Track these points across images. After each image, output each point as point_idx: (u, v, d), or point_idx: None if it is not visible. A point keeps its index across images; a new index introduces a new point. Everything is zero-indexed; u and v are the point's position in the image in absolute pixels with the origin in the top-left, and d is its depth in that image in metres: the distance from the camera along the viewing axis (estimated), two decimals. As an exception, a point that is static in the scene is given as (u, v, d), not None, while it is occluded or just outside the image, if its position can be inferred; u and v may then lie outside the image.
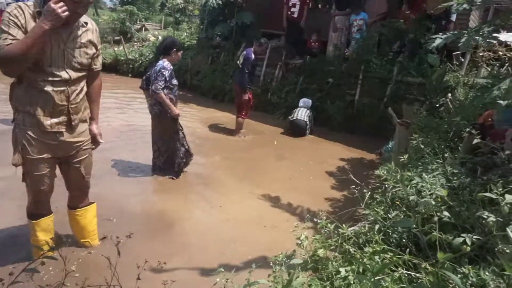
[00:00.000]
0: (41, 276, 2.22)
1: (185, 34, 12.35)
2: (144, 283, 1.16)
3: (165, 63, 4.17)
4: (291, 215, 3.81)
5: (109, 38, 13.59)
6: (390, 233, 2.10)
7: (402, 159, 2.60)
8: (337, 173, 5.16)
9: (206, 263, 2.78)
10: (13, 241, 2.87)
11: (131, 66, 11.71)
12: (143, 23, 16.47)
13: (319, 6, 10.14)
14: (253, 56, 5.95)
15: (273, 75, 8.67)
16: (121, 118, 6.84)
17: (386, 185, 2.60)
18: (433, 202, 1.64)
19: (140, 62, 11.63)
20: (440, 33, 2.87)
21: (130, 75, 11.52)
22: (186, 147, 4.55)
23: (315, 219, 2.47)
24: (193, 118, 7.40)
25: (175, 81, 4.27)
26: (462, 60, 6.66)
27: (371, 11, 7.81)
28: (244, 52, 6.08)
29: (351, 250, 2.08)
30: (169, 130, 4.37)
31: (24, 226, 2.85)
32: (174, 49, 4.26)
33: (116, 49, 12.50)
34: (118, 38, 13.23)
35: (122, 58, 11.93)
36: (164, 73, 4.12)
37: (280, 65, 8.54)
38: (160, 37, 13.37)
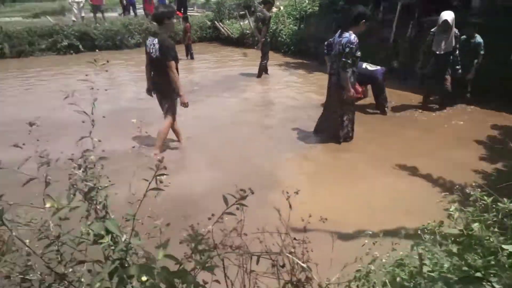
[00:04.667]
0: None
1: (307, 1, 12.13)
2: (309, 234, 1.28)
3: (351, 37, 4.04)
4: (435, 188, 3.54)
5: (235, 14, 14.37)
6: None
7: None
8: (487, 142, 4.53)
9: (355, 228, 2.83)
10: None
11: (256, 38, 12.16)
12: (266, -5, 16.77)
13: None
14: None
15: (404, 36, 7.90)
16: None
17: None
18: None
19: (265, 34, 11.98)
20: None
21: (255, 47, 11.99)
22: (352, 122, 4.58)
23: (466, 190, 2.26)
24: (314, 87, 7.40)
25: (358, 53, 4.17)
26: None
27: None
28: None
29: (515, 227, 1.85)
30: (342, 101, 4.38)
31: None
32: (363, 20, 4.11)
33: (241, 23, 13.15)
34: (243, 13, 13.87)
35: (247, 31, 12.49)
36: (352, 47, 4.03)
37: (413, 23, 7.70)
38: (282, 8, 13.46)
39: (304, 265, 1.12)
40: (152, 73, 4.30)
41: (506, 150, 3.58)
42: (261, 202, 2.91)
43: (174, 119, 4.39)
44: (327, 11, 9.97)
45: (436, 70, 5.63)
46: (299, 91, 7.21)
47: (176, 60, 4.11)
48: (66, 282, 1.14)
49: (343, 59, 4.07)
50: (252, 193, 1.06)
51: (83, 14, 13.84)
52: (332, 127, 4.58)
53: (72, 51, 12.05)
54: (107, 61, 1.39)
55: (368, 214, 3.14)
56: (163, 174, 1.04)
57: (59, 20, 15.52)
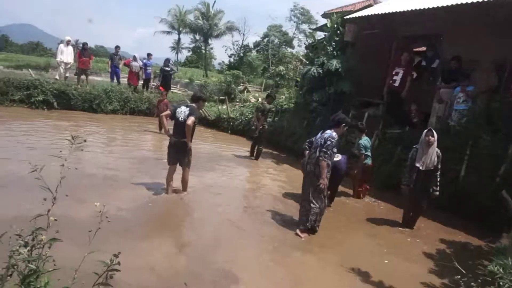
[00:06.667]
0: None
1: (283, 97, 13.12)
2: None
3: (333, 133, 4.65)
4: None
5: (215, 97, 15.21)
6: None
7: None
8: (436, 256, 4.68)
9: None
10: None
11: (231, 123, 12.71)
12: (246, 85, 18.05)
13: (423, 77, 9.91)
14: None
15: (369, 143, 8.55)
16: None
17: (501, 283, 2.30)
18: None
19: (240, 121, 12.55)
20: None
21: (229, 131, 12.48)
22: (320, 213, 4.81)
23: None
24: (281, 178, 7.63)
25: (335, 149, 4.71)
26: None
27: (478, 84, 7.37)
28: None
29: None
30: (314, 189, 4.70)
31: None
32: (344, 124, 4.78)
33: (220, 107, 13.83)
34: (223, 98, 14.71)
35: (224, 116, 13.08)
36: (333, 142, 4.58)
37: (377, 133, 8.43)
38: (260, 99, 14.45)
39: None
40: (175, 134, 5.38)
41: (451, 266, 3.70)
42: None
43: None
44: (301, 110, 10.76)
45: (418, 187, 5.33)
46: (267, 178, 7.39)
47: (197, 120, 5.28)
48: None
49: (324, 150, 4.53)
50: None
51: (67, 75, 14.10)
52: (302, 215, 4.76)
53: (44, 107, 11.98)
54: (85, 141, 1.45)
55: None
56: (115, 270, 1.03)
57: (41, 75, 15.71)
